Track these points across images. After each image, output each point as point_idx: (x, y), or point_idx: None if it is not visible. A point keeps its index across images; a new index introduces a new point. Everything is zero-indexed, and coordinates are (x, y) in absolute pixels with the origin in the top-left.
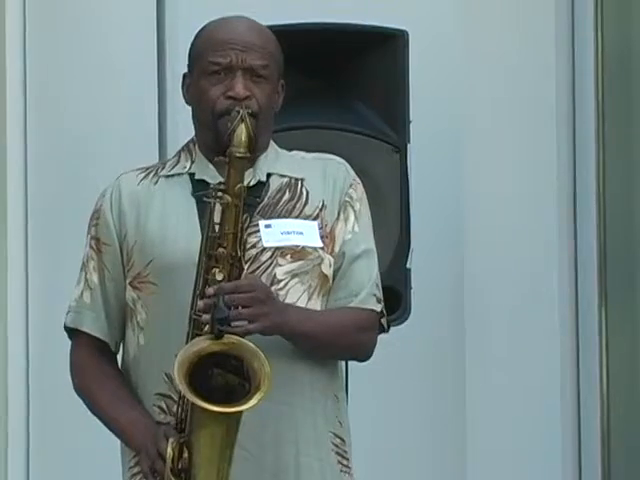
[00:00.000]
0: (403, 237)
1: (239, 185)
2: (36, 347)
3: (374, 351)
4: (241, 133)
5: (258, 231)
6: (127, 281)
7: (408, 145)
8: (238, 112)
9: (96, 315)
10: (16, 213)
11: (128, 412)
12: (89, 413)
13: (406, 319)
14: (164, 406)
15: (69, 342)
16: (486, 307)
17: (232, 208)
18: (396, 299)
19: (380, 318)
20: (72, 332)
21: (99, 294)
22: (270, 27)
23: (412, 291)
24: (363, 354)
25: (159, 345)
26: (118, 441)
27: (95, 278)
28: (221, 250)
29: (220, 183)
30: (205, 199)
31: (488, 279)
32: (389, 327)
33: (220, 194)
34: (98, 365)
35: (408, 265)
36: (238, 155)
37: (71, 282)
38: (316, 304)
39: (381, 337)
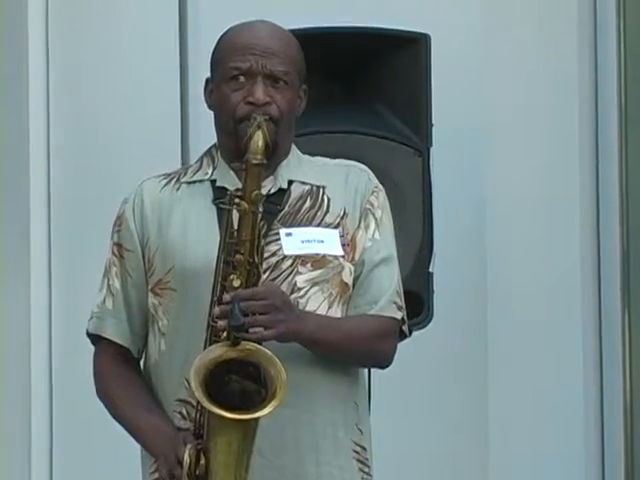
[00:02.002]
0: (425, 241)
1: (256, 192)
2: (59, 352)
3: (394, 358)
4: (258, 140)
5: (279, 239)
6: (149, 287)
7: (430, 149)
8: (255, 119)
9: (118, 321)
10: (39, 219)
11: (149, 418)
12: (111, 418)
13: (429, 323)
14: (184, 412)
15: (92, 347)
16: (508, 311)
17: (249, 215)
18: (418, 303)
19: (401, 325)
20: (95, 338)
21: (121, 300)
22: (292, 31)
23: (434, 295)
24: (383, 361)
25: (180, 351)
26: (139, 446)
27: (117, 284)
28: (238, 257)
29: (237, 190)
30: (222, 206)
31: (510, 282)
32: (411, 331)
33: (237, 201)
34: (120, 371)
35: (430, 269)
36: (254, 162)
37: (94, 288)
38: (336, 312)
39: (404, 341)
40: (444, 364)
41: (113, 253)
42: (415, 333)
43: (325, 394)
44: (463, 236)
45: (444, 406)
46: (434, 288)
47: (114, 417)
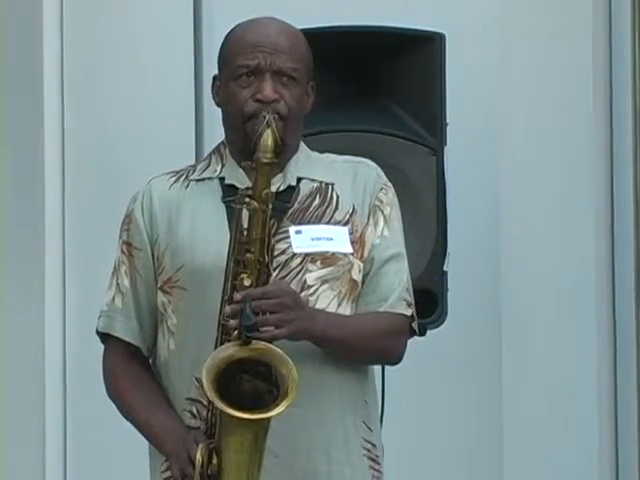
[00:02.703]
0: (439, 240)
1: (266, 190)
2: (72, 350)
3: (404, 355)
4: (267, 138)
5: (288, 237)
6: (158, 285)
7: (445, 148)
8: (264, 117)
9: (128, 320)
10: (53, 217)
11: (160, 417)
12: (122, 417)
13: (443, 322)
14: (195, 411)
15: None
16: (523, 309)
17: (259, 213)
18: (433, 302)
19: (411, 322)
20: (104, 337)
21: (131, 299)
22: (307, 30)
23: (448, 294)
24: (393, 358)
25: (189, 350)
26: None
27: (127, 283)
28: (249, 255)
29: (247, 188)
30: (232, 205)
31: (525, 281)
32: (425, 330)
33: (247, 200)
34: (130, 370)
35: (445, 268)
36: (264, 161)
37: (106, 286)
38: (346, 310)
39: (417, 340)
40: (458, 363)
41: (122, 251)
42: (429, 332)
43: (335, 392)
44: (477, 235)
45: (458, 405)
46: (448, 287)
47: (124, 416)
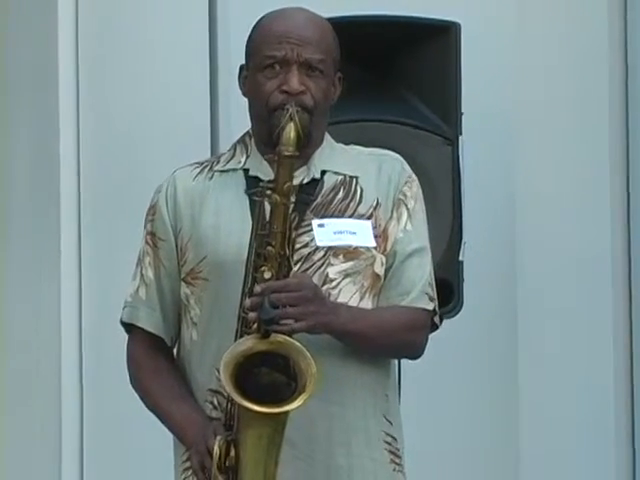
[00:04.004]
0: (455, 229)
1: (287, 184)
2: (89, 341)
3: (425, 349)
4: (290, 131)
5: (311, 230)
6: (181, 276)
7: (460, 137)
8: (288, 110)
9: (151, 311)
10: (69, 209)
11: (181, 408)
12: (143, 407)
13: (459, 311)
14: (216, 402)
15: (121, 337)
16: (539, 299)
17: (280, 207)
18: (449, 292)
19: (432, 316)
20: (128, 327)
21: (154, 289)
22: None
23: (464, 284)
24: (414, 353)
25: (211, 341)
26: (172, 435)
27: (151, 273)
28: (270, 249)
29: (269, 181)
30: (254, 198)
31: (540, 270)
32: (442, 320)
33: (269, 192)
34: (153, 360)
35: (460, 257)
36: (286, 154)
37: (124, 277)
38: (368, 304)
39: (438, 329)
40: (474, 352)
41: (147, 242)
42: (445, 322)
43: (356, 386)
44: (493, 224)
45: (474, 394)
46: (464, 277)
47: (147, 406)
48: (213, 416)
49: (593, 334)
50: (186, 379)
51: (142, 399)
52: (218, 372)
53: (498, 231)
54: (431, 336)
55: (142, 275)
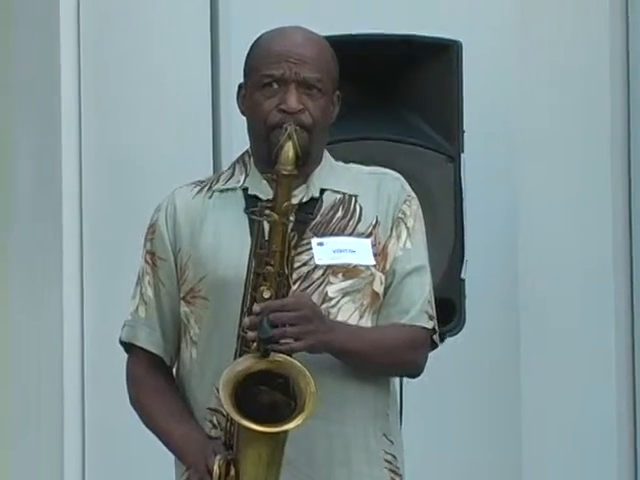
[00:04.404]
0: (457, 247)
1: (286, 203)
2: (91, 359)
3: (424, 367)
4: (288, 150)
5: (310, 249)
6: (180, 295)
7: (462, 155)
8: (286, 129)
9: (151, 330)
10: (71, 226)
11: (181, 427)
12: (144, 426)
13: (461, 329)
14: (215, 421)
15: (123, 354)
16: (541, 317)
17: (279, 226)
18: (451, 310)
19: (432, 335)
20: (127, 346)
21: (154, 309)
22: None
23: (466, 301)
24: (414, 371)
25: (211, 360)
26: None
27: (150, 292)
28: (269, 268)
29: (268, 200)
30: (253, 217)
31: (543, 289)
32: (443, 338)
33: (267, 212)
34: (153, 379)
35: (462, 275)
36: (285, 173)
37: (125, 295)
38: (367, 322)
39: (438, 347)
40: (476, 371)
41: (146, 261)
42: (447, 340)
43: (356, 405)
44: (495, 242)
45: (476, 413)
46: (466, 295)
47: (146, 425)
48: (212, 435)
49: (595, 351)
50: (185, 398)
51: (141, 418)
52: (217, 391)
53: (500, 249)
54: (433, 354)
55: (142, 294)
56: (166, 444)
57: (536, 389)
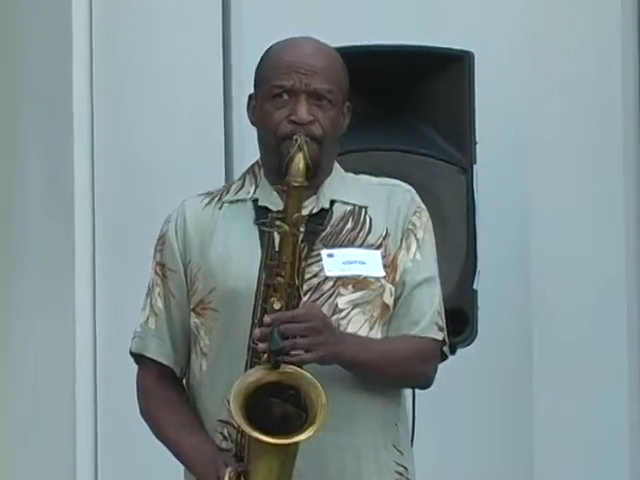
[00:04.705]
0: (469, 258)
1: (297, 214)
2: (103, 363)
3: (434, 379)
4: (299, 162)
5: (320, 260)
6: (190, 307)
7: (474, 166)
8: (297, 140)
9: (161, 341)
10: (83, 230)
11: (191, 438)
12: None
13: (473, 340)
14: (226, 433)
15: (135, 367)
16: (553, 328)
17: (290, 237)
18: (463, 320)
19: (442, 346)
20: (138, 357)
21: (164, 320)
22: (335, 49)
23: (479, 312)
24: (424, 382)
25: (221, 371)
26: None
27: (160, 304)
28: (279, 279)
29: (278, 212)
30: (263, 228)
31: (555, 300)
32: (455, 349)
33: (278, 223)
34: (163, 391)
35: (475, 286)
36: (295, 184)
37: (137, 297)
38: (377, 333)
39: (448, 359)
40: (488, 381)
41: (156, 273)
42: (459, 351)
43: (366, 416)
44: (507, 253)
45: (488, 424)
46: (478, 305)
47: (157, 437)
48: (223, 447)
49: (608, 362)
50: (196, 409)
51: (152, 429)
52: (228, 403)
53: (512, 260)
54: (446, 365)
55: (152, 305)
56: (176, 455)
57: (548, 399)
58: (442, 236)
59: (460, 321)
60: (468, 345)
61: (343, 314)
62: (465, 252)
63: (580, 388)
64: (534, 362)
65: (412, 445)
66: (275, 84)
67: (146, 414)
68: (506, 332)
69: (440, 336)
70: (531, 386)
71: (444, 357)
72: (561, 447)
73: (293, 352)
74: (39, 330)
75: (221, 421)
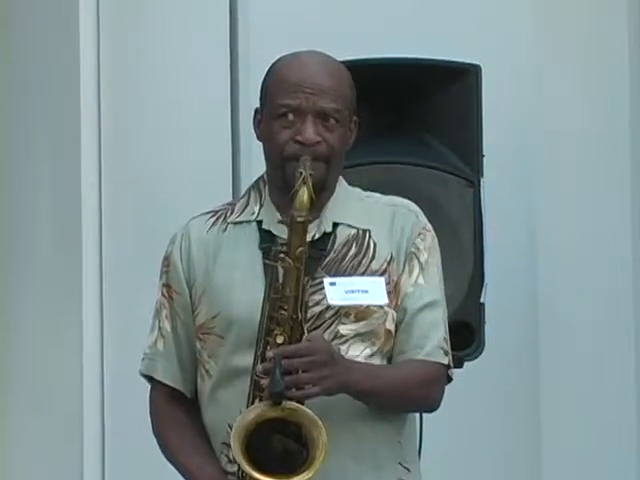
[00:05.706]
0: (477, 271)
1: (300, 249)
2: (110, 392)
3: (441, 402)
4: (302, 195)
5: (322, 288)
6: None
7: (481, 179)
8: (301, 173)
9: (169, 363)
10: (91, 258)
11: (197, 461)
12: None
13: (480, 354)
14: (231, 456)
15: (143, 385)
16: (561, 341)
17: (293, 271)
18: (470, 334)
19: (447, 369)
20: (148, 378)
21: (172, 342)
22: (342, 62)
23: (486, 325)
24: (429, 407)
25: (222, 396)
26: None
27: (168, 326)
28: (282, 312)
29: (282, 244)
30: (267, 262)
31: (563, 312)
32: (462, 362)
33: (282, 256)
34: (172, 412)
35: (482, 300)
36: (299, 220)
37: (144, 325)
38: (378, 359)
39: (455, 372)
40: (495, 395)
41: (162, 294)
42: (466, 364)
43: (370, 439)
44: (514, 266)
45: (496, 437)
46: (485, 319)
47: (165, 457)
48: (228, 469)
49: (616, 375)
50: (205, 426)
51: (160, 448)
52: (229, 427)
53: (519, 273)
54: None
55: (159, 327)
56: (183, 475)
57: (555, 414)
58: (449, 249)
59: (467, 334)
60: (475, 358)
61: (343, 339)
62: (472, 265)
63: (588, 401)
64: (541, 375)
65: (420, 457)
66: (281, 103)
67: (156, 434)
68: (513, 345)
69: (445, 360)
70: (538, 399)
71: (449, 380)
72: (569, 462)
73: (296, 389)
74: (47, 353)
75: (225, 444)
